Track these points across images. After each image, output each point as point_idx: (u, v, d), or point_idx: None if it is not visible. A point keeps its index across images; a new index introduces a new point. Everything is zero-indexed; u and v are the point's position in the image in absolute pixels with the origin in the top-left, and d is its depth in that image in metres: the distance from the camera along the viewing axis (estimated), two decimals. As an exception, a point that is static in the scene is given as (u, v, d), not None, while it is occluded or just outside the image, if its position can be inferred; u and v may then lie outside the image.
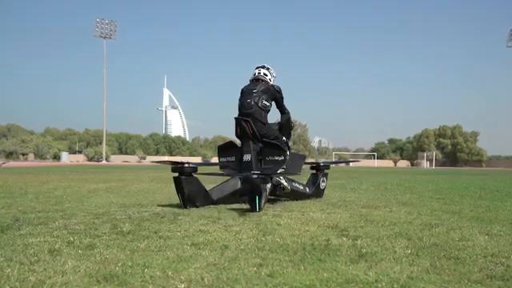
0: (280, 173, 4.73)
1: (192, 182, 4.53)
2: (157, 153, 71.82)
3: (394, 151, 75.16)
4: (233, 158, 4.93)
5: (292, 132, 5.65)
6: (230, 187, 4.91)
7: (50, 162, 47.80)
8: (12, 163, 35.21)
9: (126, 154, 68.99)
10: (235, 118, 4.86)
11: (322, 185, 5.88)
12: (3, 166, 26.13)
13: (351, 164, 58.46)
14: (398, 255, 2.33)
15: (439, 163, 63.74)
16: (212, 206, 4.49)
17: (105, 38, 56.54)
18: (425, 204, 5.09)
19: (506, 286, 1.85)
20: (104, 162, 55.88)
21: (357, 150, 75.95)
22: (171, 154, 71.49)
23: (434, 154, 62.62)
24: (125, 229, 3.04)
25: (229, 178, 5.07)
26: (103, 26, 56.27)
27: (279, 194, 5.11)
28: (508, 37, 54.73)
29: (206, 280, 1.85)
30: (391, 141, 79.65)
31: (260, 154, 4.74)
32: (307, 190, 5.60)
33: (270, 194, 4.91)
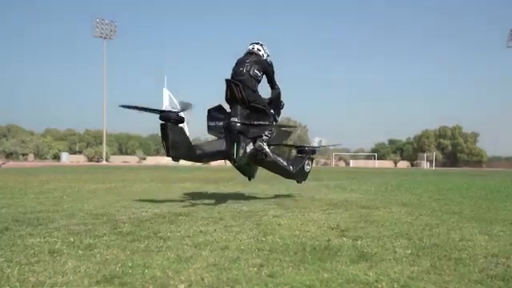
0: (263, 139, 4.86)
1: (178, 131, 4.51)
2: (157, 153, 71.77)
3: (394, 152, 75.07)
4: (221, 123, 4.96)
5: (283, 120, 5.89)
6: (215, 146, 4.93)
7: (49, 163, 47.81)
8: (12, 163, 35.21)
9: (126, 154, 68.89)
10: (226, 80, 4.88)
11: (307, 168, 5.89)
12: (3, 166, 26.13)
13: (351, 164, 58.45)
14: (399, 255, 2.33)
15: (439, 164, 63.68)
16: (212, 207, 4.49)
17: (105, 38, 56.56)
18: (425, 204, 5.09)
19: (506, 286, 1.85)
20: (104, 162, 55.89)
21: (357, 151, 75.94)
22: (171, 155, 71.36)
23: (434, 154, 62.60)
24: (125, 229, 3.04)
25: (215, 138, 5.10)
26: (103, 26, 56.24)
27: (260, 160, 5.10)
28: (508, 37, 54.69)
29: (206, 280, 1.85)
30: (391, 141, 79.62)
31: (246, 119, 4.79)
32: (290, 167, 5.61)
33: (252, 158, 4.97)
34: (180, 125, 4.54)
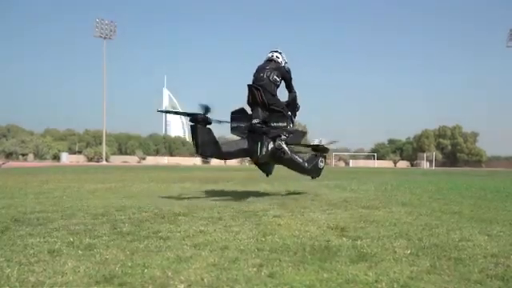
0: (282, 139, 5.33)
1: (206, 132, 5.01)
2: (157, 153, 71.75)
3: (393, 152, 75.04)
4: (243, 124, 5.38)
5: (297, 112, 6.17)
6: (238, 145, 5.43)
7: (49, 163, 47.79)
8: (12, 163, 35.20)
9: (126, 154, 68.82)
10: (248, 85, 5.42)
11: (321, 164, 6.38)
12: (3, 166, 26.11)
13: (351, 164, 58.45)
14: (398, 255, 2.33)
15: (439, 164, 63.69)
16: (212, 207, 4.49)
17: (105, 38, 56.56)
18: (425, 204, 5.09)
19: (506, 286, 1.85)
20: (104, 162, 55.87)
21: (357, 151, 75.91)
22: (171, 155, 71.39)
23: (434, 154, 62.60)
24: (124, 229, 3.04)
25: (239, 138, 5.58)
26: (103, 26, 56.26)
27: (279, 157, 5.49)
28: (508, 37, 54.71)
29: (205, 280, 1.85)
30: (391, 141, 79.58)
31: (267, 120, 5.26)
32: (306, 164, 6.07)
33: (271, 156, 5.38)
34: (208, 126, 5.03)
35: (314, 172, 6.33)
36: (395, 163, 68.31)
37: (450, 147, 72.69)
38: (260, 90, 5.28)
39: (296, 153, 5.92)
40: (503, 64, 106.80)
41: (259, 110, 5.29)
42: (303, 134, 6.53)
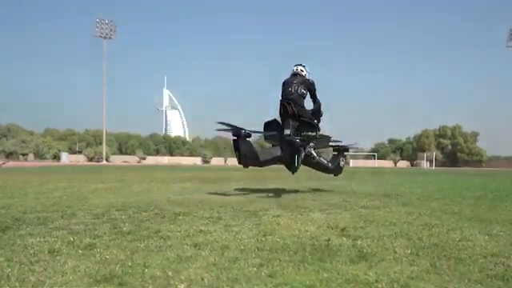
0: (311, 146, 6.19)
1: (247, 145, 5.78)
2: (157, 153, 71.75)
3: (393, 151, 75.00)
4: (275, 132, 6.15)
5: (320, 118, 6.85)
6: (272, 153, 6.23)
7: (49, 163, 47.80)
8: (12, 163, 35.20)
9: (126, 154, 68.82)
10: (281, 100, 6.15)
11: (342, 164, 7.29)
12: (3, 166, 26.11)
13: (351, 164, 58.41)
14: (398, 255, 2.33)
15: (439, 163, 63.67)
16: (212, 206, 4.50)
17: (105, 38, 56.55)
18: (425, 204, 5.09)
19: (506, 286, 1.85)
20: (104, 162, 55.87)
21: (357, 151, 75.91)
22: (171, 154, 71.39)
23: (434, 154, 62.57)
24: (125, 229, 3.04)
25: (272, 146, 6.45)
26: (103, 26, 56.25)
27: (309, 162, 6.46)
28: (508, 37, 54.68)
29: (206, 280, 1.85)
30: (391, 141, 79.52)
31: (297, 130, 5.95)
32: (329, 165, 6.98)
33: (303, 161, 6.14)
34: (248, 139, 5.82)
35: (337, 170, 7.23)
36: (395, 163, 68.29)
37: (450, 147, 72.65)
38: (291, 103, 5.96)
39: (321, 156, 6.78)
40: (503, 64, 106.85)
41: (290, 121, 5.95)
42: (328, 138, 7.16)
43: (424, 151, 66.43)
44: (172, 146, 75.43)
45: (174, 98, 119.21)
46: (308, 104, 6.42)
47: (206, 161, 69.11)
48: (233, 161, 69.83)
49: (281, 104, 6.12)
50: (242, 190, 7.16)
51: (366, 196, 6.15)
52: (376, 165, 58.99)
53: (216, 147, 75.98)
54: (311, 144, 6.19)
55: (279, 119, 6.26)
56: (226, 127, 5.85)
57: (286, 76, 6.43)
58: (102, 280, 1.84)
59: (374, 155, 67.10)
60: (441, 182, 11.23)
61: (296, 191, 7.01)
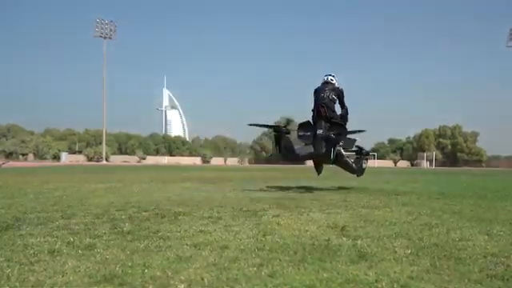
0: (338, 143, 6.86)
1: (286, 140, 6.81)
2: (157, 153, 71.75)
3: (393, 151, 75.02)
4: (308, 132, 6.89)
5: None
6: (307, 150, 7.04)
7: (49, 162, 47.79)
8: (12, 163, 35.18)
9: (126, 154, 68.83)
10: (315, 105, 7.05)
11: (364, 165, 8.01)
12: (3, 166, 26.10)
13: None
14: (398, 255, 2.33)
15: (439, 163, 63.68)
16: (212, 207, 4.50)
17: (105, 38, 56.54)
18: (425, 204, 5.09)
19: (506, 286, 1.85)
20: (104, 162, 55.87)
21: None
22: (171, 154, 71.40)
23: (434, 154, 62.60)
24: (125, 229, 3.04)
25: (305, 145, 7.10)
26: (103, 26, 56.26)
27: (338, 160, 7.15)
28: (508, 37, 54.69)
29: (205, 280, 1.85)
30: (391, 141, 79.51)
31: (328, 130, 6.69)
32: (354, 165, 7.67)
33: (333, 159, 6.89)
34: (287, 135, 6.80)
35: (360, 171, 7.90)
36: (395, 163, 68.31)
37: (450, 147, 72.67)
38: (325, 107, 6.85)
39: (348, 157, 7.48)
40: (503, 64, 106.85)
41: (322, 122, 6.76)
42: (354, 141, 7.78)
43: (424, 151, 66.47)
44: (172, 146, 75.42)
45: (174, 97, 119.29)
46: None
47: (205, 161, 69.13)
48: (232, 161, 69.94)
49: (315, 108, 7.01)
50: (242, 189, 7.16)
51: (366, 196, 6.15)
52: (376, 165, 58.97)
53: (216, 147, 76.06)
54: (340, 143, 6.87)
55: (311, 121, 7.07)
56: (263, 125, 7.03)
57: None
58: (102, 280, 1.84)
59: (374, 155, 67.09)
60: (441, 182, 11.23)
61: (296, 191, 7.02)
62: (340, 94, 7.16)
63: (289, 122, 9.22)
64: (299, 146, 7.08)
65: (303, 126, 7.07)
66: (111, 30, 56.85)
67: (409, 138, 77.97)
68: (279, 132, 6.76)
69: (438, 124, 76.03)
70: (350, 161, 7.59)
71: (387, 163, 65.78)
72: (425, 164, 60.33)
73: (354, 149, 7.95)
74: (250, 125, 7.31)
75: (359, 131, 7.87)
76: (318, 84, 7.35)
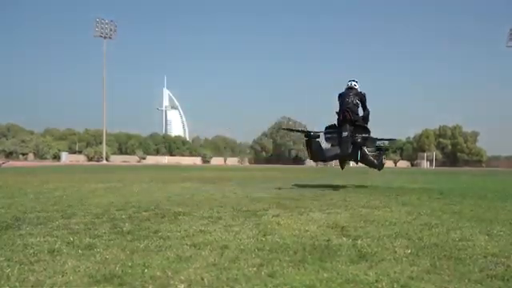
0: (363, 145, 7.70)
1: (316, 144, 7.41)
2: (157, 153, 71.73)
3: (393, 151, 75.02)
4: (334, 135, 7.64)
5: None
6: (334, 151, 7.73)
7: (49, 162, 47.78)
8: (12, 163, 35.17)
9: (126, 154, 68.78)
10: (341, 109, 7.68)
11: (384, 161, 8.92)
12: (3, 165, 26.11)
13: (351, 164, 58.35)
14: (399, 255, 2.33)
15: (439, 163, 63.68)
16: (212, 206, 4.50)
17: (105, 38, 56.51)
18: (425, 204, 5.09)
19: (506, 286, 1.85)
20: (104, 161, 55.87)
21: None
22: (171, 154, 71.37)
23: (434, 154, 62.57)
24: (125, 229, 3.04)
25: (331, 146, 7.83)
26: (103, 25, 56.21)
27: (362, 157, 7.89)
28: (508, 37, 54.62)
29: (205, 280, 1.85)
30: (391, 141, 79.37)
31: (352, 132, 7.40)
32: (375, 161, 8.44)
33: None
34: (317, 139, 7.46)
35: (380, 166, 8.74)
36: (395, 163, 68.26)
37: (450, 147, 72.62)
38: (349, 111, 7.48)
39: (369, 154, 8.22)
40: (503, 64, 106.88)
41: (347, 125, 7.39)
42: (375, 140, 8.34)
43: (424, 151, 66.43)
44: (172, 146, 75.38)
45: (174, 97, 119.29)
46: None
47: (205, 161, 69.11)
48: (232, 161, 69.96)
49: (340, 112, 7.65)
50: (242, 189, 7.16)
51: (366, 196, 6.15)
52: (376, 165, 58.90)
53: (216, 147, 76.02)
54: (364, 143, 7.63)
55: (336, 124, 7.73)
56: (295, 130, 7.99)
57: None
58: (102, 280, 1.83)
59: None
60: (441, 182, 11.23)
61: (296, 191, 7.02)
62: (362, 98, 7.81)
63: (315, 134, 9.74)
64: (326, 147, 7.78)
65: (329, 128, 7.83)
66: (111, 30, 56.81)
67: (409, 137, 77.94)
68: (309, 137, 7.34)
69: (438, 124, 76.03)
70: (372, 157, 8.32)
71: (387, 163, 65.63)
72: (425, 164, 60.32)
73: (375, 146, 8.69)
74: (283, 129, 8.31)
75: (390, 139, 8.69)
76: (342, 89, 8.00)
